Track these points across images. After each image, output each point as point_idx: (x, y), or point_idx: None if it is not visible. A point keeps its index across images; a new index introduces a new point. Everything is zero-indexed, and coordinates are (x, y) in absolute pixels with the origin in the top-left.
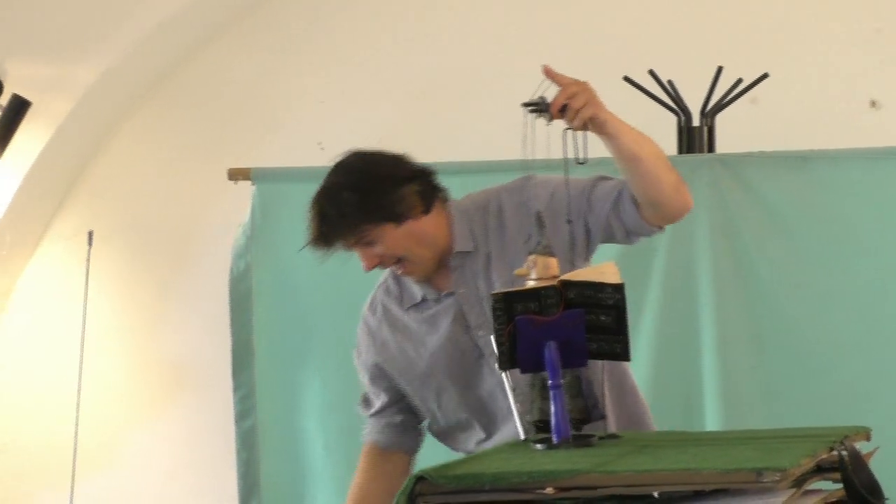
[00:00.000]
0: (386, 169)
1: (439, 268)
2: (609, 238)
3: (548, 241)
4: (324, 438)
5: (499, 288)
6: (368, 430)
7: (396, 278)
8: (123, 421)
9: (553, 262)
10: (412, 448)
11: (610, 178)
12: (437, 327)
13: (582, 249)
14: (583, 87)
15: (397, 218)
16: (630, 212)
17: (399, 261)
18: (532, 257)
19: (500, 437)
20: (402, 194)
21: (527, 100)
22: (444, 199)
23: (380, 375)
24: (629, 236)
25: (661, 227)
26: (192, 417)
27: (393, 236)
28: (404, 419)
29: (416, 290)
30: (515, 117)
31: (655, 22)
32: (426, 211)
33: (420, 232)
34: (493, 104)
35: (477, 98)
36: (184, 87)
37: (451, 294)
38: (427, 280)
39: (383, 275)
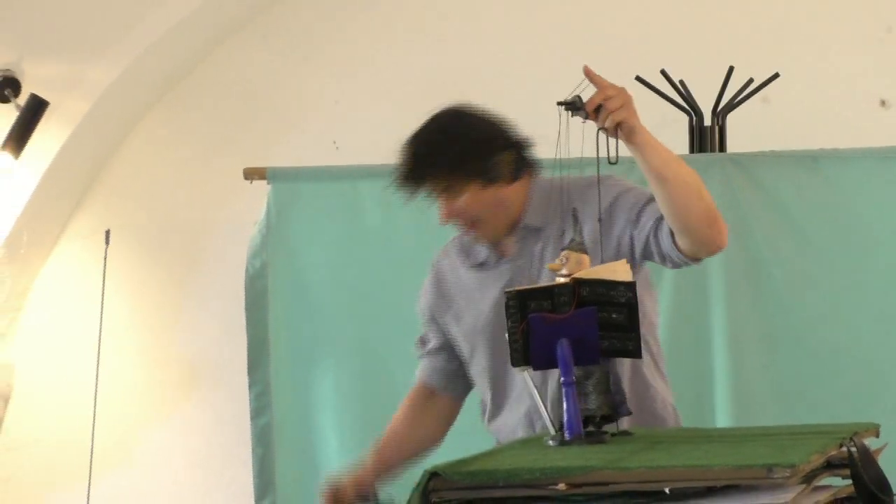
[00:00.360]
0: (489, 131)
1: (507, 235)
2: (648, 257)
3: (581, 237)
4: (338, 435)
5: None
6: (420, 370)
7: (459, 239)
8: (140, 418)
9: (585, 259)
10: (461, 394)
11: None
12: (489, 290)
13: (627, 257)
14: (620, 91)
15: (487, 181)
16: (665, 237)
17: (473, 222)
18: (565, 253)
19: (505, 419)
20: (497, 160)
21: (561, 98)
22: (532, 173)
23: (434, 320)
24: (665, 261)
25: (695, 259)
26: (208, 415)
27: (477, 196)
28: (455, 365)
29: (482, 251)
30: (531, 116)
31: (667, 22)
32: (513, 180)
33: (501, 199)
34: (507, 103)
35: (492, 97)
36: (200, 87)
37: (509, 261)
38: (494, 244)
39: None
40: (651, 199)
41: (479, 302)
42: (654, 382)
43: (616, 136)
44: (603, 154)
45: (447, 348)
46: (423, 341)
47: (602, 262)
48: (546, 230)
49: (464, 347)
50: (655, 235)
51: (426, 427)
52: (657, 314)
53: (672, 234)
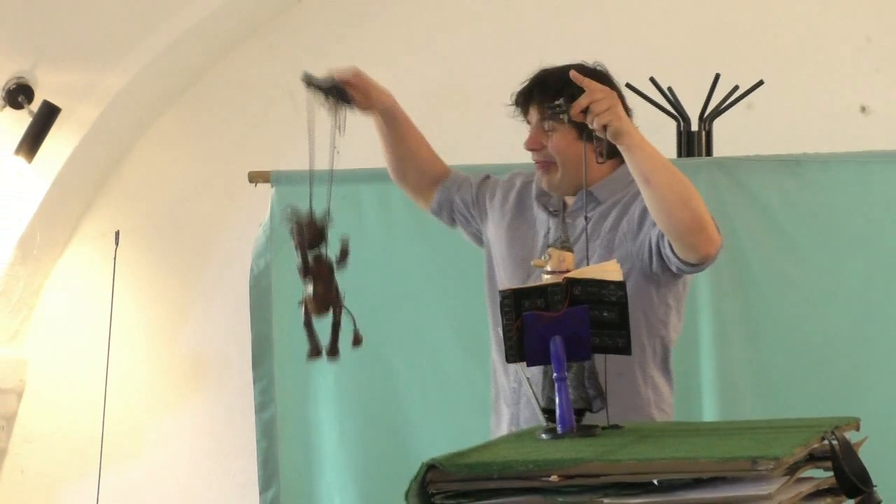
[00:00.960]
0: (621, 97)
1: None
2: (663, 261)
3: (566, 236)
4: (339, 428)
5: (579, 241)
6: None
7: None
8: (148, 412)
9: (568, 257)
10: (436, 190)
11: None
12: (535, 228)
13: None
14: (607, 93)
15: (584, 135)
16: (667, 244)
17: (549, 163)
18: (550, 250)
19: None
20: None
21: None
22: (617, 163)
23: (481, 193)
24: (669, 263)
25: (687, 264)
26: (214, 408)
27: (567, 140)
28: (458, 202)
29: (550, 198)
30: (523, 124)
31: (656, 32)
32: (602, 154)
33: (585, 160)
34: (503, 110)
35: (490, 103)
36: (206, 94)
37: (559, 214)
38: (553, 193)
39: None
40: None
41: (526, 231)
42: (645, 390)
43: (603, 138)
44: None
45: (468, 192)
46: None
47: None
48: (604, 205)
49: (490, 256)
50: (659, 241)
51: (428, 149)
52: (677, 332)
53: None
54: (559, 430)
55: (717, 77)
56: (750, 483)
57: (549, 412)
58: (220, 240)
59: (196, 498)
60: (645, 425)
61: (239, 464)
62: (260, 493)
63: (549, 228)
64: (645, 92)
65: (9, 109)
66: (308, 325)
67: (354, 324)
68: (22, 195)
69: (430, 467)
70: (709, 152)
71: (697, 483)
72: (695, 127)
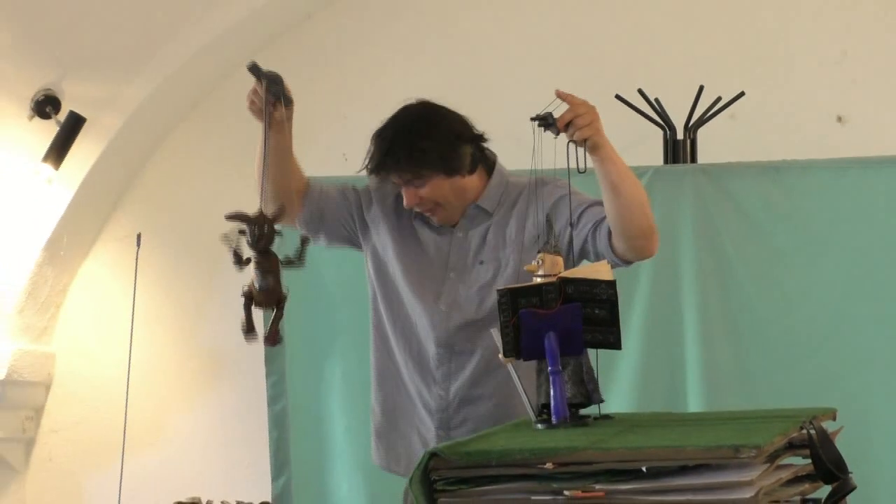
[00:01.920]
0: (456, 126)
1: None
2: (584, 255)
3: (556, 241)
4: (346, 420)
5: (488, 252)
6: (316, 182)
7: None
8: (168, 403)
9: (559, 261)
10: (307, 210)
11: (602, 205)
12: (424, 246)
13: (565, 253)
14: (589, 108)
15: (451, 172)
16: (602, 239)
17: (434, 207)
18: (540, 255)
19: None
20: (461, 153)
21: (535, 114)
22: (489, 163)
23: (362, 201)
24: (595, 259)
25: (625, 262)
26: (229, 401)
27: (440, 186)
28: (328, 209)
29: None
30: (521, 129)
31: (644, 46)
32: (472, 171)
33: (461, 187)
34: (500, 118)
35: (486, 112)
36: (223, 104)
37: (450, 230)
38: (448, 223)
39: None
40: (591, 205)
41: (409, 250)
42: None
43: (584, 149)
44: (573, 164)
45: (339, 203)
46: (342, 186)
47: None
48: (495, 215)
49: (377, 263)
50: (593, 236)
51: (293, 177)
52: None
53: (609, 236)
54: (554, 420)
55: (701, 88)
56: (733, 470)
57: (545, 407)
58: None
59: (212, 484)
60: (634, 416)
61: (252, 453)
62: (272, 480)
63: (442, 248)
64: (633, 102)
65: (37, 119)
66: (248, 312)
67: (277, 322)
68: (49, 200)
69: (433, 455)
70: (693, 159)
71: (684, 470)
72: (680, 135)
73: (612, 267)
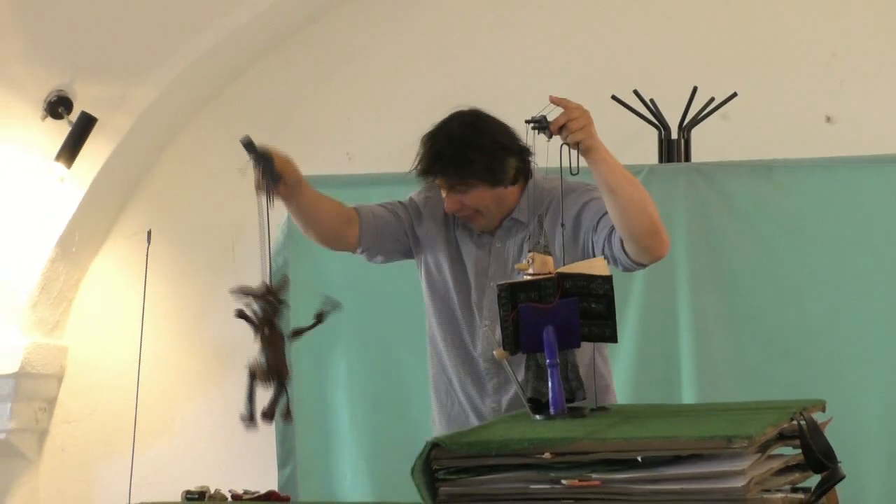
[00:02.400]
0: (505, 138)
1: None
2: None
3: (546, 241)
4: (350, 411)
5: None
6: (365, 206)
7: None
8: (177, 395)
9: (549, 260)
10: (365, 237)
11: None
12: (466, 258)
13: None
14: (583, 112)
15: (495, 182)
16: (617, 243)
17: (474, 214)
18: (531, 254)
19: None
20: (507, 164)
21: (530, 117)
22: (528, 176)
23: (412, 216)
24: (616, 265)
25: (639, 264)
26: (237, 392)
27: (482, 194)
28: (386, 231)
29: None
30: (521, 129)
31: (639, 49)
32: (514, 182)
33: (502, 197)
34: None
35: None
36: (230, 105)
37: (491, 241)
38: (486, 231)
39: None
40: (608, 211)
41: (451, 261)
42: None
43: (577, 151)
44: (566, 165)
45: (393, 224)
46: (389, 205)
47: (571, 261)
48: (530, 225)
49: (429, 277)
50: (609, 241)
51: (333, 220)
52: None
53: (622, 242)
54: (551, 411)
55: (694, 90)
56: (725, 460)
57: (533, 402)
58: (242, 238)
59: (220, 473)
60: (629, 407)
61: (259, 443)
62: (278, 469)
63: (482, 259)
64: (629, 103)
65: (50, 120)
66: (250, 390)
67: (288, 400)
68: (62, 198)
69: (434, 446)
70: (687, 158)
71: (677, 459)
72: (675, 135)
73: (631, 270)
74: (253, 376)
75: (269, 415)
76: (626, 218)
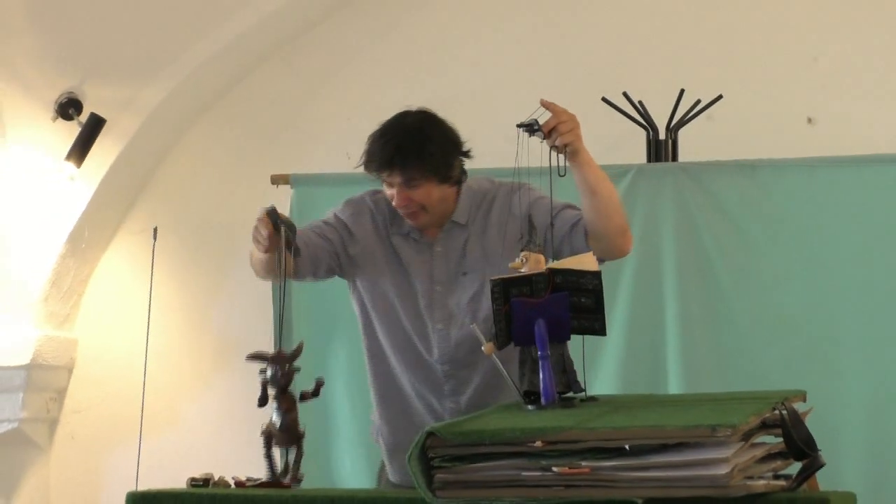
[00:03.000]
0: (453, 137)
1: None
2: (559, 255)
3: (540, 240)
4: (350, 400)
5: (470, 263)
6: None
7: (389, 204)
8: (183, 385)
9: (542, 259)
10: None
11: (576, 208)
12: (406, 265)
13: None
14: (571, 117)
15: (446, 179)
16: (579, 239)
17: (420, 211)
18: (524, 253)
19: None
20: (455, 163)
21: (520, 121)
22: (464, 179)
23: (344, 235)
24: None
25: (600, 261)
26: (240, 382)
27: (431, 191)
28: (321, 250)
29: (405, 224)
30: (510, 132)
31: (629, 53)
32: (457, 183)
33: (447, 196)
34: (492, 120)
35: (479, 114)
36: (234, 106)
37: (430, 245)
38: (424, 230)
39: (371, 193)
40: (564, 208)
41: (391, 269)
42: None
43: (564, 154)
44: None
45: (325, 248)
46: (320, 225)
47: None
48: (466, 227)
49: (369, 292)
50: (569, 237)
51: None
52: None
53: (586, 237)
54: (543, 401)
55: (681, 92)
56: (710, 448)
57: (528, 394)
58: (246, 235)
59: (223, 461)
60: (617, 398)
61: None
62: (280, 458)
63: (425, 264)
64: (619, 105)
65: (60, 120)
66: (268, 454)
67: (299, 461)
68: (72, 196)
69: (430, 434)
70: (674, 158)
71: (664, 448)
72: (662, 136)
73: None
74: (269, 438)
75: (294, 479)
76: (604, 217)
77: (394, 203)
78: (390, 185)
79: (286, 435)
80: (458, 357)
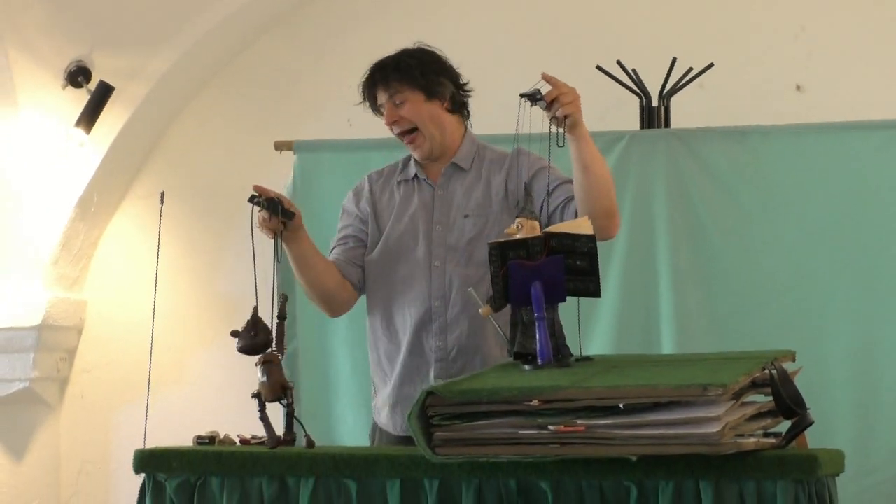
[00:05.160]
0: (440, 60)
1: (437, 164)
2: (549, 225)
3: (533, 206)
4: (350, 361)
5: (472, 207)
6: (334, 254)
7: (406, 162)
8: (189, 345)
9: (536, 225)
10: (356, 282)
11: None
12: (410, 204)
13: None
14: (571, 90)
15: (430, 94)
16: (571, 214)
17: (412, 130)
18: (519, 220)
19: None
20: (442, 81)
21: (523, 91)
22: (467, 119)
23: (359, 217)
24: None
25: None
26: None
27: (418, 106)
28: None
29: (412, 170)
30: (508, 100)
31: (622, 21)
32: (451, 110)
33: (439, 117)
34: (491, 88)
35: (478, 83)
36: (240, 74)
37: (433, 188)
38: (426, 164)
39: (371, 173)
40: (565, 181)
41: (400, 212)
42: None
43: (563, 126)
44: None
45: (361, 251)
46: (342, 237)
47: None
48: (470, 173)
49: (373, 239)
50: (562, 210)
51: (332, 281)
52: None
53: (576, 214)
54: (539, 361)
55: (674, 60)
56: (701, 406)
57: (519, 356)
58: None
59: (228, 418)
60: (611, 358)
61: None
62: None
63: (427, 205)
64: (613, 72)
65: (70, 88)
66: (263, 416)
67: (304, 429)
68: (81, 162)
69: (429, 394)
70: (667, 125)
71: (657, 406)
72: (655, 103)
73: None
74: (260, 398)
75: (289, 439)
76: (594, 195)
77: (385, 121)
78: (382, 112)
79: (271, 389)
80: (449, 297)
